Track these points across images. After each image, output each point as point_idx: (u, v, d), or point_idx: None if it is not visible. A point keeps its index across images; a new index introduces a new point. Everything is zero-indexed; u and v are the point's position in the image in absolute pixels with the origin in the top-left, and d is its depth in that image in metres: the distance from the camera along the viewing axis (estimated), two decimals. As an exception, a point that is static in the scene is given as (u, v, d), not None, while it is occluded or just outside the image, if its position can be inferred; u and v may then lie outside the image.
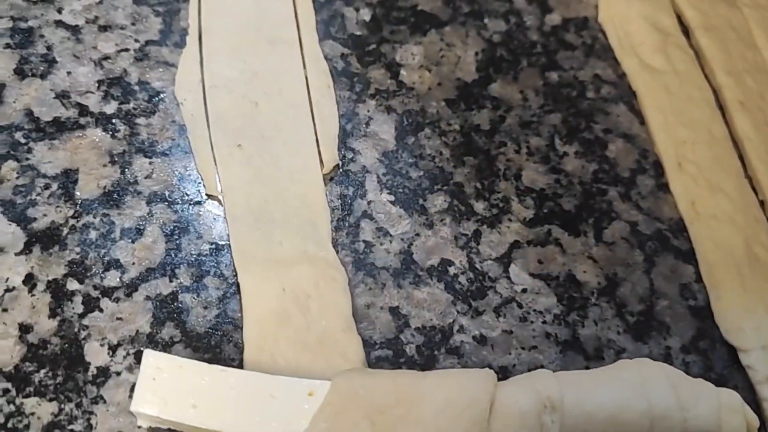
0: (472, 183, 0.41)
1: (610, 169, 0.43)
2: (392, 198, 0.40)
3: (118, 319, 0.35)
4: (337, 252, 0.38)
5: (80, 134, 0.39)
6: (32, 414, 0.32)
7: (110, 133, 0.39)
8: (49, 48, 0.41)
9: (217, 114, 0.41)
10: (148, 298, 0.35)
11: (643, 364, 0.34)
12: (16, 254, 0.35)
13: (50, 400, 0.32)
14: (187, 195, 0.39)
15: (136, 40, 0.43)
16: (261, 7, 0.45)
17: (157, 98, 0.41)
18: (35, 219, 0.36)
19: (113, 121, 0.40)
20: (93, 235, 0.37)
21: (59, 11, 0.43)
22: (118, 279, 0.36)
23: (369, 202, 0.40)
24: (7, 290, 0.35)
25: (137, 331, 0.35)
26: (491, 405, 0.31)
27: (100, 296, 0.35)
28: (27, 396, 0.32)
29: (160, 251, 0.37)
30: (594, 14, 0.50)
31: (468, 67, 0.46)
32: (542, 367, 0.36)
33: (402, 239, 0.39)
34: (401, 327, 0.37)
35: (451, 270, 0.39)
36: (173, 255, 0.37)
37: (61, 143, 0.39)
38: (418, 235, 0.39)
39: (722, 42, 0.48)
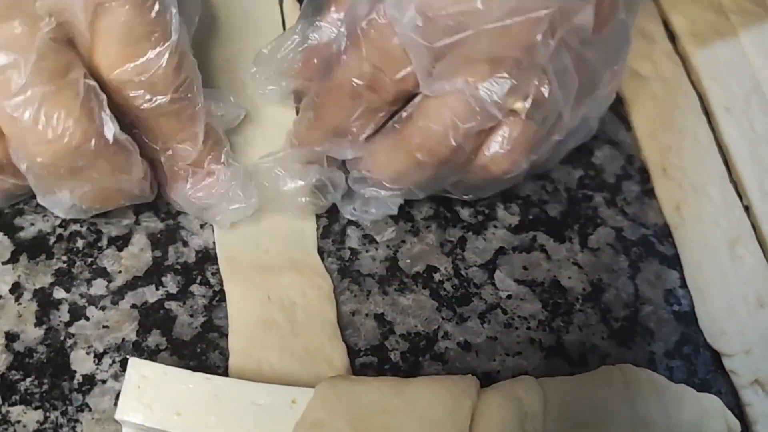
0: (457, 190, 0.42)
1: (596, 175, 0.44)
2: (378, 205, 0.41)
3: (104, 327, 0.35)
4: (323, 259, 0.38)
5: (68, 143, 0.39)
6: (18, 422, 0.32)
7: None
8: (37, 58, 0.42)
9: None
10: (134, 306, 0.36)
11: (626, 369, 0.34)
12: (3, 263, 0.36)
13: (36, 408, 0.33)
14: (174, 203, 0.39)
15: (125, 50, 0.43)
16: (249, 16, 0.45)
17: (144, 107, 0.41)
18: (23, 228, 0.37)
19: (101, 130, 0.40)
20: (80, 243, 0.37)
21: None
22: (104, 287, 0.36)
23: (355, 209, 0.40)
24: (-6, 299, 0.35)
25: (123, 339, 0.35)
26: (473, 412, 0.31)
27: (86, 304, 0.35)
28: (13, 404, 0.32)
29: (147, 259, 0.37)
30: (580, 21, 0.50)
31: (455, 74, 0.46)
32: (526, 373, 0.37)
33: (388, 246, 0.39)
34: (386, 334, 0.37)
35: (437, 276, 0.39)
36: (160, 263, 0.37)
37: (48, 152, 0.39)
38: (403, 242, 0.40)
39: (708, 47, 0.49)
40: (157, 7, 0.30)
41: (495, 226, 0.41)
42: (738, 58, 0.48)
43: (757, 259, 0.41)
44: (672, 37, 0.49)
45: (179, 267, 0.37)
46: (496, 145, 0.34)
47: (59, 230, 0.37)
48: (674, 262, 0.41)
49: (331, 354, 0.35)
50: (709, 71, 0.47)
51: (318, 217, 0.40)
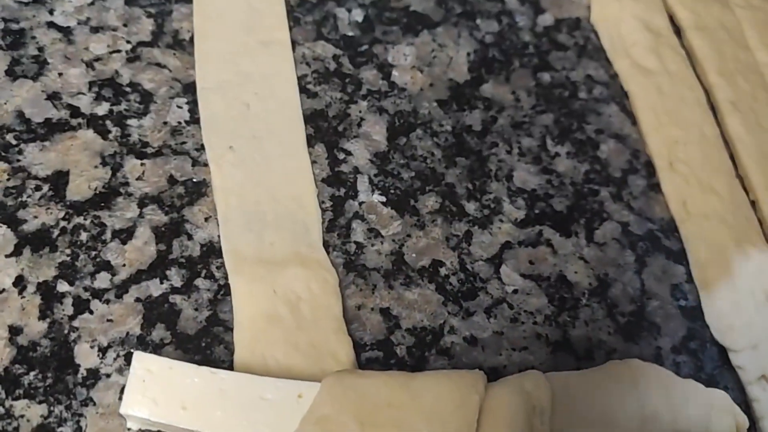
0: (463, 184, 0.41)
1: (602, 170, 0.44)
2: (384, 199, 0.40)
3: (108, 320, 0.35)
4: (329, 253, 0.38)
5: (71, 136, 0.39)
6: (22, 416, 0.32)
7: (101, 134, 0.39)
8: (40, 49, 0.41)
9: (209, 116, 0.41)
10: (138, 299, 0.35)
11: (634, 364, 0.34)
12: (6, 256, 0.35)
13: (40, 402, 0.32)
14: (179, 196, 0.38)
15: (128, 42, 0.43)
16: (253, 8, 0.45)
17: (148, 99, 0.41)
18: (26, 221, 0.36)
19: (105, 122, 0.40)
20: (84, 236, 0.37)
21: (51, 12, 0.43)
22: (108, 281, 0.36)
23: (360, 203, 0.40)
24: (-2, 292, 0.35)
25: (127, 332, 0.35)
26: (481, 406, 0.31)
27: (90, 298, 0.35)
28: (16, 398, 0.32)
29: (151, 253, 0.37)
30: (586, 15, 0.50)
31: (460, 67, 0.46)
32: (533, 368, 0.36)
33: (393, 240, 0.39)
34: (392, 328, 0.37)
35: (442, 271, 0.39)
36: (164, 257, 0.37)
37: (52, 145, 0.39)
38: (409, 236, 0.39)
39: (714, 42, 0.48)
40: None
41: (501, 221, 0.41)
42: (744, 52, 0.48)
43: (763, 254, 0.41)
44: (678, 30, 0.49)
45: (184, 260, 0.37)
46: None
47: (63, 223, 0.37)
48: (680, 256, 0.41)
49: (337, 348, 0.35)
50: (715, 65, 0.47)
51: (323, 210, 0.39)
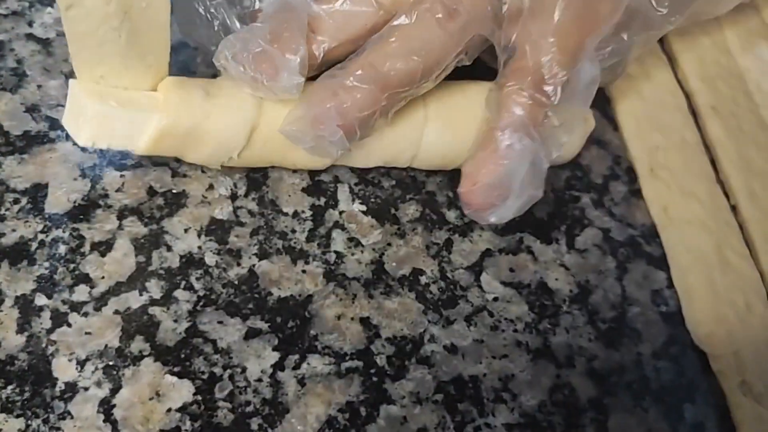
0: (444, 192, 0.41)
1: (583, 176, 0.44)
2: (364, 208, 0.40)
3: (86, 333, 0.35)
4: (308, 263, 0.38)
5: (50, 148, 0.39)
6: (-1, 431, 0.32)
7: (80, 146, 0.39)
8: (19, 61, 0.41)
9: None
10: (117, 312, 0.35)
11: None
12: (-16, 270, 0.35)
13: (17, 416, 0.32)
14: (158, 208, 0.38)
15: (108, 53, 0.43)
16: None
17: (128, 111, 0.41)
18: (4, 234, 0.36)
19: (84, 134, 0.40)
20: (62, 249, 0.36)
21: (30, 24, 0.43)
22: (87, 293, 0.36)
23: (341, 213, 0.40)
24: (-25, 306, 0.34)
25: (106, 345, 0.34)
26: None
27: (68, 311, 0.35)
28: (-6, 413, 0.32)
29: (130, 264, 0.37)
30: (567, 21, 0.50)
31: (441, 75, 0.46)
32: (513, 375, 0.36)
33: (373, 249, 0.39)
34: (372, 338, 0.37)
35: (423, 279, 0.39)
36: (143, 268, 0.37)
37: (30, 157, 0.39)
38: (389, 244, 0.39)
39: (695, 47, 0.48)
40: None
41: (481, 228, 0.41)
42: (725, 57, 0.48)
43: (744, 259, 0.41)
44: (659, 36, 0.49)
45: (163, 272, 0.37)
46: None
47: (41, 236, 0.37)
48: (661, 262, 0.41)
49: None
50: (696, 71, 0.47)
51: (303, 220, 0.39)
